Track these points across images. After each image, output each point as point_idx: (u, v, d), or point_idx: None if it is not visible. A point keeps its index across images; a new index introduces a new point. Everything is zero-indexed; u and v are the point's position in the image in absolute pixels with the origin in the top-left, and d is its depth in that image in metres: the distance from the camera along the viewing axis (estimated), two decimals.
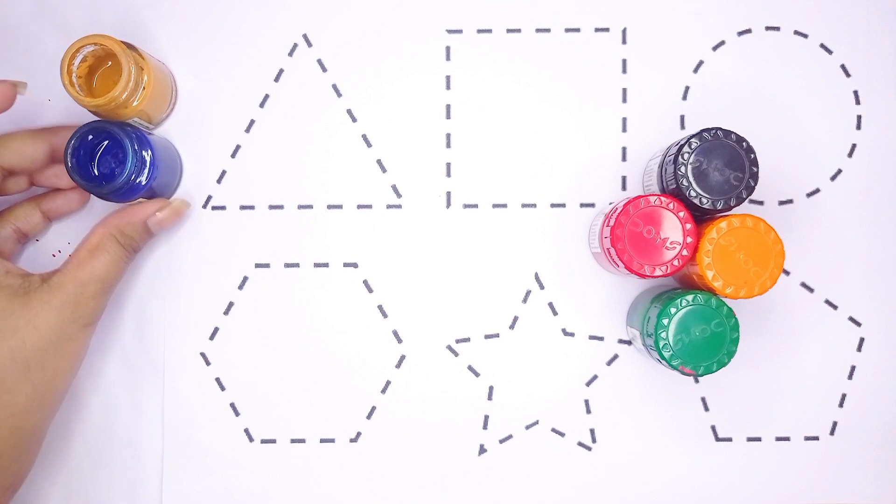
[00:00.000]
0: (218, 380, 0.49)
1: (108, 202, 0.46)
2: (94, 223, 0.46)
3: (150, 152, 0.44)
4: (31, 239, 0.49)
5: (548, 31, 0.49)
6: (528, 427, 0.49)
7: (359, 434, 0.49)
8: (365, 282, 0.49)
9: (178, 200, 0.48)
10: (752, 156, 0.42)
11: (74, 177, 0.43)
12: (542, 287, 0.49)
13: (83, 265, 0.44)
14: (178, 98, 0.49)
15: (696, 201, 0.42)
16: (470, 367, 0.49)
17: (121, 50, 0.42)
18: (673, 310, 0.42)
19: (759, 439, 0.49)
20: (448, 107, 0.49)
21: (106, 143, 0.44)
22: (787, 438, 0.49)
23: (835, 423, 0.49)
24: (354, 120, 0.49)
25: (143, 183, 0.44)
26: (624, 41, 0.49)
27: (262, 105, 0.49)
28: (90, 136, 0.44)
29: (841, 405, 0.49)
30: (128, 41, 0.44)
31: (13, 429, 0.42)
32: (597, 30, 0.49)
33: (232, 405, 0.49)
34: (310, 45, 0.49)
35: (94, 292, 0.44)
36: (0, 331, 0.41)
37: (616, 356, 0.49)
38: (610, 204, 0.47)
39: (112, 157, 0.44)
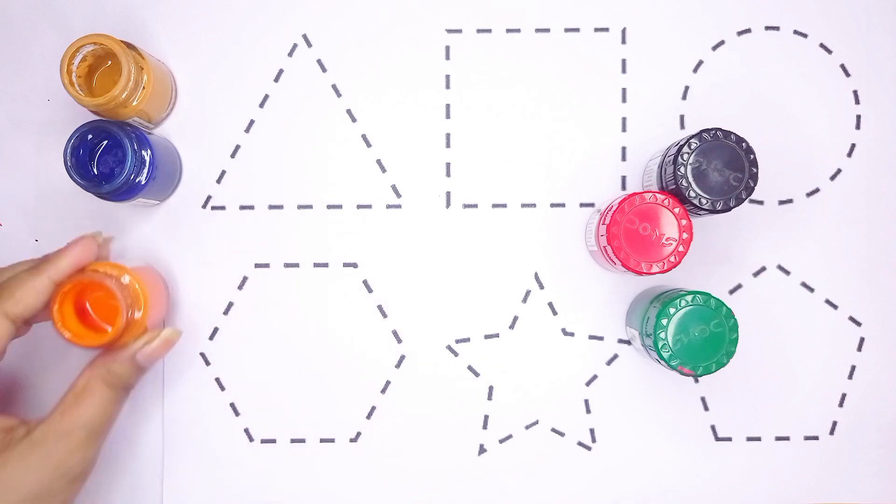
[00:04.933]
0: (218, 380, 0.49)
1: (106, 201, 0.46)
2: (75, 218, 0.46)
3: (149, 152, 0.45)
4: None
5: (547, 31, 0.49)
6: (527, 427, 0.49)
7: (359, 434, 0.49)
8: (365, 282, 0.49)
9: (168, 330, 0.44)
10: (752, 156, 0.42)
11: (73, 176, 0.43)
12: (541, 287, 0.49)
13: (67, 413, 0.40)
14: (177, 98, 0.49)
15: (696, 202, 0.42)
16: (470, 367, 0.49)
17: (120, 49, 0.42)
18: (672, 310, 0.42)
19: (758, 439, 0.49)
20: (448, 106, 0.49)
21: (105, 142, 0.44)
22: (787, 438, 0.49)
23: (835, 423, 0.49)
24: (354, 120, 0.49)
25: (143, 182, 0.44)
26: (623, 41, 0.49)
27: (261, 105, 0.49)
28: (90, 136, 0.44)
29: (841, 405, 0.49)
30: (127, 41, 0.44)
31: None
32: (596, 30, 0.49)
33: (232, 405, 0.49)
34: (309, 45, 0.49)
35: (79, 442, 0.40)
36: None
37: (616, 356, 0.49)
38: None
39: (111, 157, 0.44)
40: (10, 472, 0.39)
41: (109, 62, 0.45)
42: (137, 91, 0.44)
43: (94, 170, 0.44)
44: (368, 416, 0.49)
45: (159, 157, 0.45)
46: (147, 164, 0.44)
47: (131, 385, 0.43)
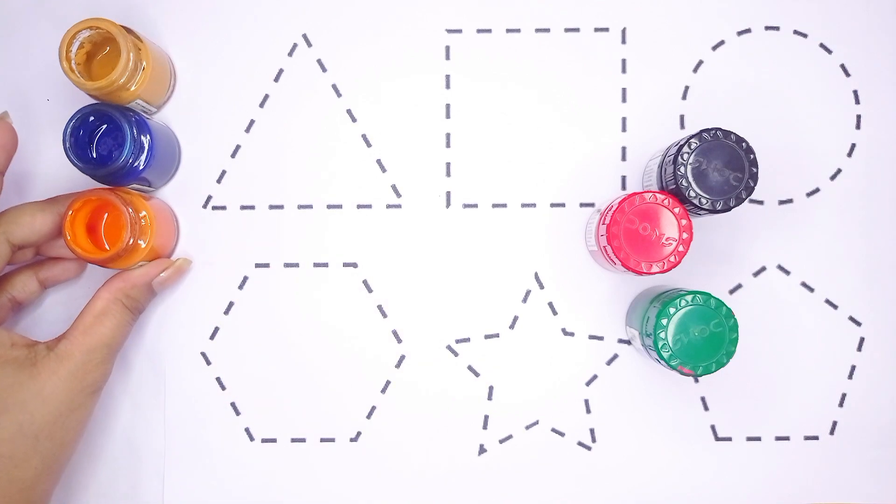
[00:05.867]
0: (218, 379, 0.49)
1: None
2: None
3: (148, 137, 0.45)
4: (26, 307, 0.48)
5: (547, 31, 0.49)
6: (528, 427, 0.49)
7: (359, 434, 0.49)
8: (365, 282, 0.49)
9: (181, 259, 0.48)
10: (752, 156, 0.42)
11: (71, 158, 0.43)
12: (541, 287, 0.49)
13: (90, 331, 0.43)
14: (177, 82, 0.49)
15: (696, 202, 0.42)
16: (470, 367, 0.49)
17: (118, 32, 0.42)
18: (672, 310, 0.42)
19: (758, 439, 0.49)
20: (448, 106, 0.49)
21: (105, 125, 0.44)
22: (787, 438, 0.49)
23: (835, 423, 0.49)
24: (354, 120, 0.49)
25: (141, 168, 0.44)
26: (623, 41, 0.49)
27: (262, 105, 0.49)
28: (91, 118, 0.44)
29: (841, 405, 0.49)
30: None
31: (22, 502, 0.41)
32: (596, 30, 0.49)
33: (232, 404, 0.49)
34: (310, 45, 0.49)
35: (101, 358, 0.43)
36: (8, 406, 0.40)
37: (616, 356, 0.49)
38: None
39: (111, 140, 0.44)
40: (43, 384, 0.41)
41: (108, 48, 0.45)
42: (136, 74, 0.44)
43: (93, 152, 0.44)
44: (368, 416, 0.49)
45: (158, 143, 0.45)
46: (146, 149, 0.44)
47: (143, 308, 0.47)
